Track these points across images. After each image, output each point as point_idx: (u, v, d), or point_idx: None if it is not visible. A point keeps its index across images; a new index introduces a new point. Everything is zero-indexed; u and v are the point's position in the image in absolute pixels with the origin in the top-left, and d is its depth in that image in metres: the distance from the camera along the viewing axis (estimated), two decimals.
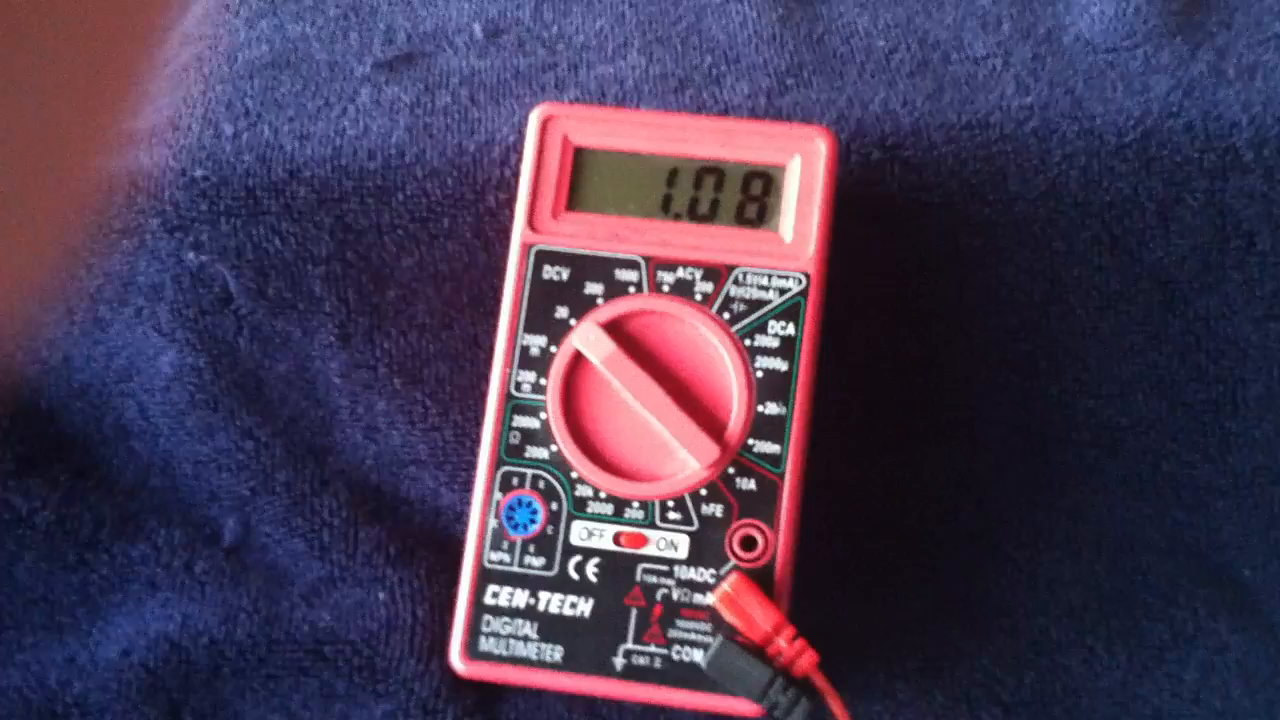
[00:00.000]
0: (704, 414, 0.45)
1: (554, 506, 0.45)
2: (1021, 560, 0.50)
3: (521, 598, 0.44)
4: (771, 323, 0.45)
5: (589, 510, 0.45)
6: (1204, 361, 0.50)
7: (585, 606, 0.44)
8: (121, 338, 0.52)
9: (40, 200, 0.24)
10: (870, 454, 0.51)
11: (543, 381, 0.45)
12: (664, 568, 0.44)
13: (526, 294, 0.46)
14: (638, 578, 0.44)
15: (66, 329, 0.52)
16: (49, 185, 0.25)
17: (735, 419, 0.45)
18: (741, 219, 0.46)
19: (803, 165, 0.46)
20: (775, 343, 0.45)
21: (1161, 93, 0.52)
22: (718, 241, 0.46)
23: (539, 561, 0.44)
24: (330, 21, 0.56)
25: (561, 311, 0.46)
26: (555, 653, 0.44)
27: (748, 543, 0.44)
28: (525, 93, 0.54)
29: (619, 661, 0.44)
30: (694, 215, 0.46)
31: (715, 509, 0.44)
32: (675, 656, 0.44)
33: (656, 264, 0.46)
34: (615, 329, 0.45)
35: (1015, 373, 0.51)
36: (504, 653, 0.44)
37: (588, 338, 0.45)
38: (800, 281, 0.45)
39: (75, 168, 0.25)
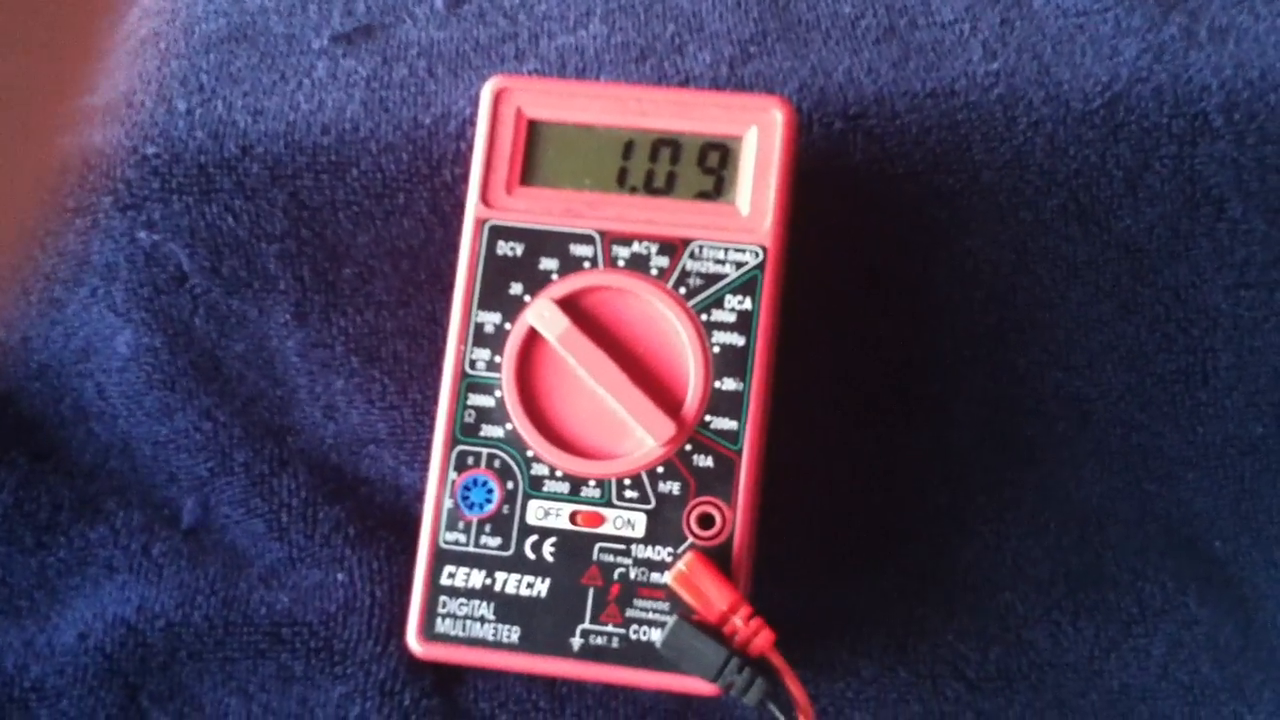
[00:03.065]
0: (660, 391, 0.44)
1: (510, 486, 0.44)
2: (988, 534, 0.49)
3: (478, 578, 0.44)
4: (728, 297, 0.44)
5: (545, 489, 0.44)
6: (1174, 331, 0.50)
7: (542, 586, 0.44)
8: (78, 318, 0.51)
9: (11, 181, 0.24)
10: (834, 429, 0.50)
11: (497, 359, 0.45)
12: (621, 547, 0.44)
13: (480, 270, 0.45)
14: (595, 557, 0.44)
15: (23, 310, 0.51)
16: (3, 164, 0.24)
17: (692, 395, 0.44)
18: (698, 192, 0.45)
19: (760, 136, 0.45)
20: (732, 317, 0.44)
21: (1131, 57, 0.50)
22: (674, 215, 0.45)
23: (495, 541, 0.44)
24: None
25: (516, 288, 0.45)
26: (512, 633, 0.43)
27: (705, 521, 0.43)
28: (484, 64, 0.53)
29: (576, 641, 0.43)
30: (650, 188, 0.45)
31: (672, 487, 0.44)
32: (633, 636, 0.43)
33: (611, 239, 0.45)
34: (570, 305, 0.45)
35: (982, 345, 0.50)
36: (461, 634, 0.44)
37: (542, 314, 0.44)
38: (757, 255, 0.45)
39: (29, 146, 0.24)
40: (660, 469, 0.44)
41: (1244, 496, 0.49)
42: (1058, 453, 0.50)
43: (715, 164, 0.45)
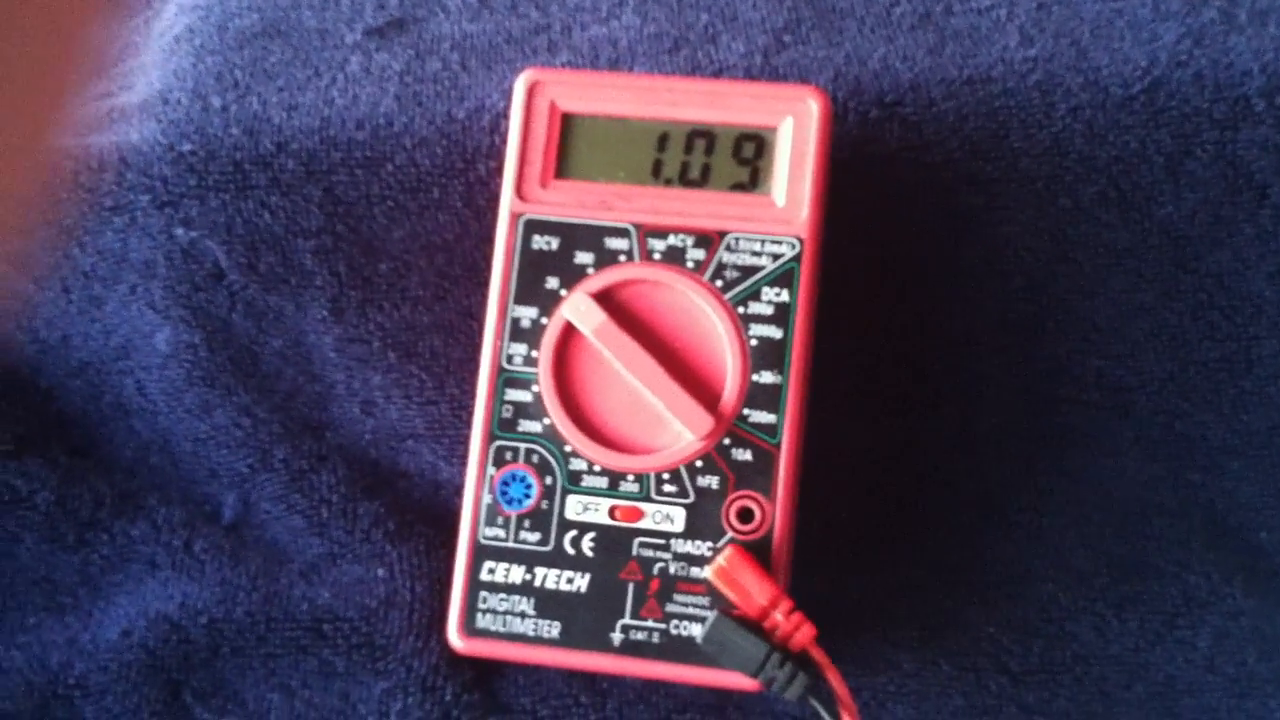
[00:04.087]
0: (698, 384, 0.44)
1: (548, 481, 0.44)
2: (1029, 525, 0.49)
3: (518, 573, 0.44)
4: (765, 289, 0.44)
5: (584, 484, 0.44)
6: (1216, 319, 0.49)
7: (582, 581, 0.44)
8: (117, 315, 0.51)
9: (30, 178, 0.24)
10: (873, 419, 0.50)
11: (534, 354, 0.45)
12: (660, 541, 0.43)
13: (516, 265, 0.45)
14: (634, 552, 0.44)
15: (63, 307, 0.52)
16: (38, 163, 0.24)
17: (730, 389, 0.44)
18: (733, 183, 0.45)
19: (795, 127, 0.45)
20: (769, 310, 0.44)
21: (1170, 41, 0.50)
22: (709, 207, 0.45)
23: (534, 537, 0.44)
24: None
25: (552, 282, 0.45)
26: (552, 628, 0.44)
27: (745, 514, 0.43)
28: (517, 56, 0.53)
29: (616, 636, 0.43)
30: (685, 180, 0.45)
31: (711, 481, 0.43)
32: (673, 631, 0.43)
33: (647, 231, 0.45)
34: (606, 299, 0.44)
35: (1020, 333, 0.50)
36: (501, 629, 0.44)
37: (578, 308, 0.44)
38: (794, 246, 0.44)
39: (62, 145, 0.25)
40: (699, 463, 0.44)
41: None
42: (1099, 442, 0.49)
43: (750, 155, 0.45)
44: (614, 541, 0.44)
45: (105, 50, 0.24)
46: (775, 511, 0.43)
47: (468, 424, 0.46)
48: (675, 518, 0.43)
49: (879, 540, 0.49)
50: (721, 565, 0.42)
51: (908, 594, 0.49)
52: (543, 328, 0.45)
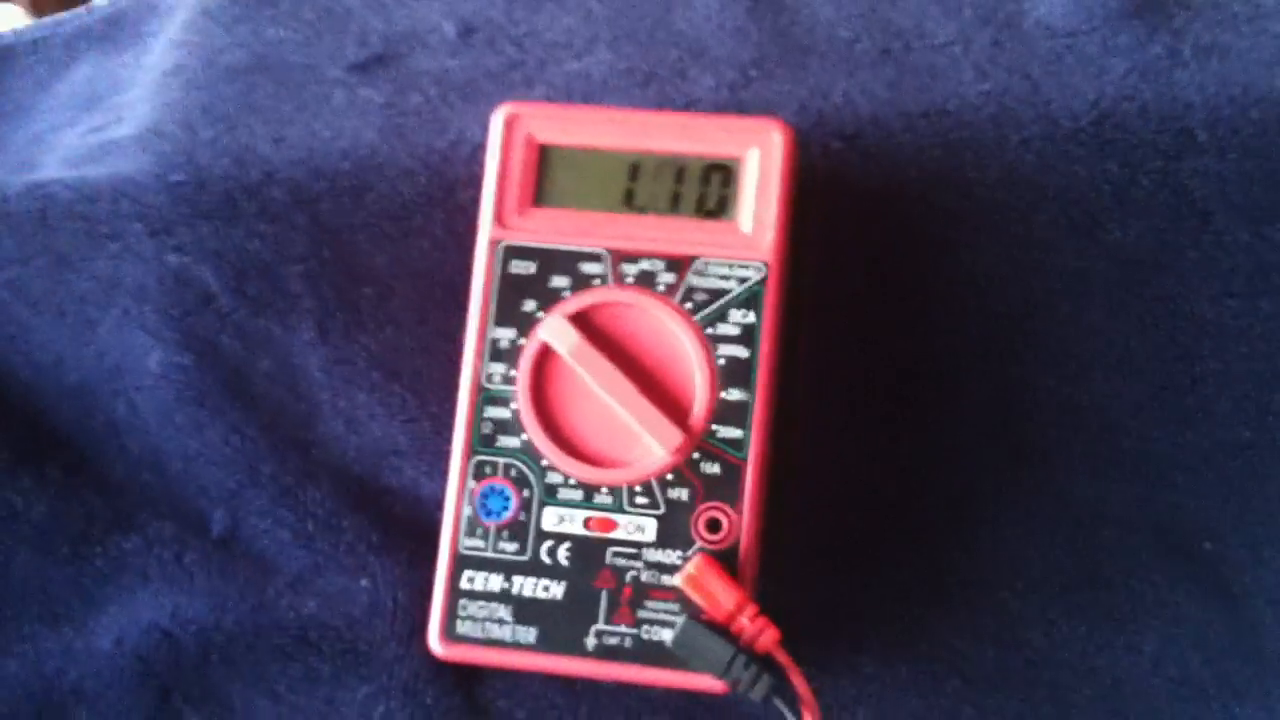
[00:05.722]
0: (668, 401, 0.46)
1: (526, 494, 0.46)
2: (986, 537, 0.51)
3: (496, 582, 0.46)
4: (732, 311, 0.46)
5: (559, 497, 0.46)
6: (1162, 340, 0.51)
7: (558, 589, 0.45)
8: (110, 338, 0.53)
9: None
10: (840, 435, 0.52)
11: (512, 373, 0.47)
12: (633, 550, 0.45)
13: (495, 288, 0.47)
14: (607, 561, 0.45)
15: (58, 330, 0.53)
16: None
17: (699, 405, 0.46)
18: (702, 211, 0.47)
19: (760, 157, 0.47)
20: (736, 330, 0.46)
21: (1118, 75, 0.52)
22: (679, 234, 0.47)
23: (512, 547, 0.46)
24: (305, 25, 0.57)
25: (529, 305, 0.47)
26: (529, 634, 0.45)
27: (712, 525, 0.45)
28: (495, 91, 0.55)
29: (590, 641, 0.45)
30: (656, 208, 0.47)
31: (681, 493, 0.45)
32: (645, 636, 0.45)
33: (620, 257, 0.47)
34: (581, 321, 0.46)
35: (979, 355, 0.52)
36: (480, 635, 0.46)
37: (554, 330, 0.46)
38: (760, 271, 0.46)
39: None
40: (669, 476, 0.46)
41: (1232, 498, 0.51)
42: (1053, 457, 0.51)
43: (718, 184, 0.47)
44: (588, 551, 0.46)
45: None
46: (742, 522, 0.45)
47: (448, 441, 0.47)
48: (647, 528, 0.45)
49: (846, 550, 0.51)
50: (691, 573, 0.44)
51: (872, 600, 0.51)
52: (521, 348, 0.47)
